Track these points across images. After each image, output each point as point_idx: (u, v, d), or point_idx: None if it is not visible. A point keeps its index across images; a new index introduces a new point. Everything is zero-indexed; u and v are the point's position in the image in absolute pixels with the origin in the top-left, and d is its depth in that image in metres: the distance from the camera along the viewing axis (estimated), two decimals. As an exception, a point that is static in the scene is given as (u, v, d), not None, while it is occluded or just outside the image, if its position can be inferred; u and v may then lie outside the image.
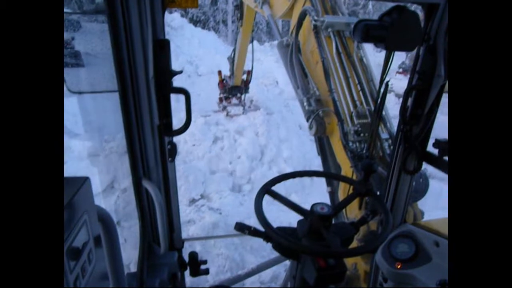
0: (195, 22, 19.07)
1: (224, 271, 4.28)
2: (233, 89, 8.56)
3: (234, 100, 8.79)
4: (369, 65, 3.12)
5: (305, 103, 3.20)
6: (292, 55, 3.32)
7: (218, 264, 4.40)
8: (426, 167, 2.17)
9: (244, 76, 8.30)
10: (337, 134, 2.96)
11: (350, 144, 2.84)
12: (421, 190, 2.68)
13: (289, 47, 3.39)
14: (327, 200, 3.37)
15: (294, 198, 5.88)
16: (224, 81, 8.62)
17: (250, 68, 7.99)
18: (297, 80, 3.28)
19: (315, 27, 3.09)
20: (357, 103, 2.96)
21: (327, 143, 3.27)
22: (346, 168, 2.95)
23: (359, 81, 3.01)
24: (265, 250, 4.63)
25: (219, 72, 8.67)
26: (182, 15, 15.22)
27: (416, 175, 2.22)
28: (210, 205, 5.84)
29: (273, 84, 12.03)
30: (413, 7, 1.84)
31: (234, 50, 7.55)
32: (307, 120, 3.19)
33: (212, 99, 9.18)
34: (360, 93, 3.00)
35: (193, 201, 5.94)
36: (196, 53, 12.17)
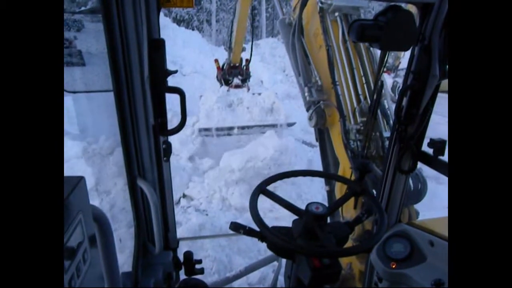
0: (178, 21, 18.87)
1: (211, 273, 4.27)
2: (232, 69, 7.83)
3: (236, 80, 8.03)
4: (376, 54, 2.94)
5: (306, 93, 3.02)
6: (294, 36, 3.02)
7: (205, 266, 4.35)
8: (421, 167, 2.17)
9: (244, 60, 7.71)
10: (338, 128, 2.87)
11: (351, 143, 2.76)
12: (419, 194, 2.64)
13: (291, 26, 3.06)
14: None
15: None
16: (224, 67, 7.91)
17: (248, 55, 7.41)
18: (299, 65, 3.05)
19: (321, 9, 2.88)
20: (361, 97, 2.82)
21: (327, 135, 3.15)
22: (345, 163, 2.89)
23: (364, 72, 2.85)
24: (253, 251, 4.63)
25: (216, 60, 8.06)
26: (165, 15, 15.06)
27: (415, 179, 2.22)
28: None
29: (258, 84, 11.98)
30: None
31: (232, 22, 7.03)
32: (307, 110, 3.06)
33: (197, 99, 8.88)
34: (365, 86, 2.84)
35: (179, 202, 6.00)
36: (180, 53, 12.18)
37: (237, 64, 7.81)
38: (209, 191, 6.08)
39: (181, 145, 6.85)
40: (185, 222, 5.19)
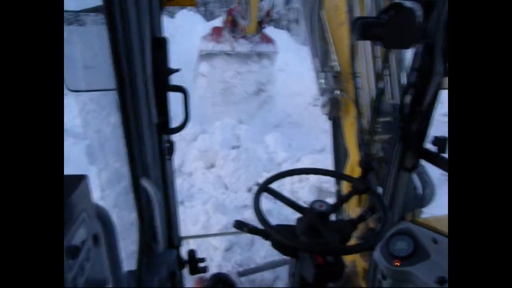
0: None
1: (273, 255, 4.32)
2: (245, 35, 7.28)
3: (242, 40, 7.53)
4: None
5: (321, 79, 2.77)
6: (314, 8, 2.68)
7: (267, 248, 4.53)
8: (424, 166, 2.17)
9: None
10: (351, 118, 2.71)
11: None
12: (429, 198, 2.61)
13: None
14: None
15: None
16: (234, 21, 7.27)
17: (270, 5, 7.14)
18: (315, 44, 2.78)
19: None
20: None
21: (340, 123, 2.95)
22: (354, 156, 2.82)
23: (388, 62, 2.52)
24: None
25: (230, 11, 7.36)
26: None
27: (423, 184, 2.18)
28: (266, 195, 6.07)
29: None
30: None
31: None
32: (321, 95, 2.83)
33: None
34: (388, 78, 2.53)
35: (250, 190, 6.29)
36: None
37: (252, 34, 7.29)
38: (279, 182, 6.22)
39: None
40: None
